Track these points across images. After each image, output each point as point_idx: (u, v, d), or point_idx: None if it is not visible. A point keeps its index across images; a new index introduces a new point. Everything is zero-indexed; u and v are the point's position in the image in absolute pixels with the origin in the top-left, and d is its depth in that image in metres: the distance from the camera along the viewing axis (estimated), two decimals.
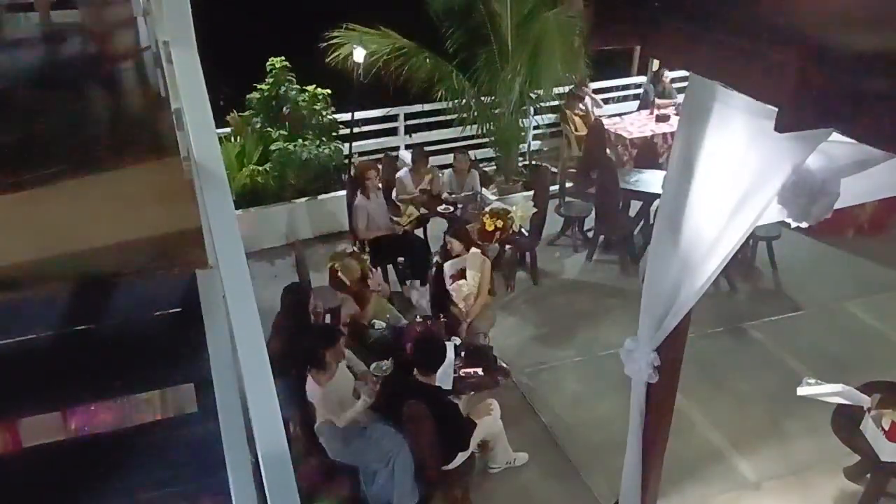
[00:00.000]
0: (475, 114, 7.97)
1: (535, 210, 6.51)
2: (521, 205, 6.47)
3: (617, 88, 10.04)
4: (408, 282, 6.43)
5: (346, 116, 7.91)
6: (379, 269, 6.12)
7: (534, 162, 8.89)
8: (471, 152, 7.65)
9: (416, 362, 4.15)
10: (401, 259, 6.52)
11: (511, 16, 7.47)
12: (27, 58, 3.33)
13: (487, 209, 6.30)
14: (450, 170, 7.15)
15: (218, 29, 6.03)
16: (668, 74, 9.25)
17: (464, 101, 7.84)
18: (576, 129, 8.67)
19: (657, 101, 8.98)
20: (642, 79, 9.91)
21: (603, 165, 7.37)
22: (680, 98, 9.05)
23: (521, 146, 8.66)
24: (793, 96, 1.95)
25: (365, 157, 8.28)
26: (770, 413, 5.03)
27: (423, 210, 6.76)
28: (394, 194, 6.89)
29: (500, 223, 6.13)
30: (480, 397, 4.64)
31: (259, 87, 7.61)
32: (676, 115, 8.56)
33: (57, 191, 2.07)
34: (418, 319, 5.03)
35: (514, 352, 5.66)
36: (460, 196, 6.90)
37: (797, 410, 4.73)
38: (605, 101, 9.40)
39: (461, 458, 4.19)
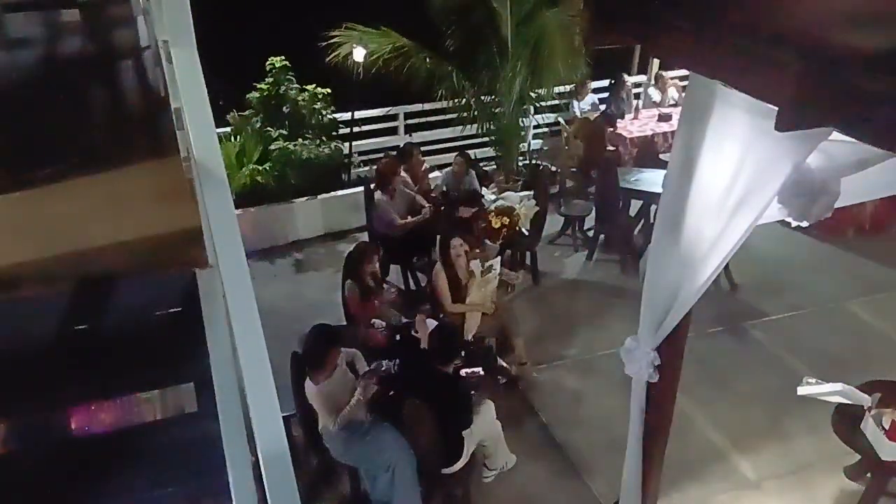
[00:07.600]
0: (475, 113, 7.95)
1: (536, 209, 6.51)
2: (524, 204, 6.46)
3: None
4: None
5: (346, 116, 7.92)
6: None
7: (534, 162, 8.88)
8: (471, 152, 7.64)
9: (434, 352, 4.31)
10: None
11: (511, 15, 7.44)
12: (27, 57, 3.32)
13: (493, 206, 6.29)
14: (447, 169, 7.15)
15: (218, 29, 6.03)
16: (629, 80, 9.29)
17: (464, 100, 7.82)
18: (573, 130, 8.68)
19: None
20: (642, 78, 9.90)
21: (603, 165, 7.37)
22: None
23: (521, 146, 8.65)
24: (793, 96, 1.94)
25: (367, 157, 8.33)
26: (770, 413, 5.02)
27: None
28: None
29: (506, 220, 6.13)
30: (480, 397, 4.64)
31: (259, 86, 7.61)
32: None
33: (57, 191, 2.06)
34: (419, 318, 5.03)
35: None
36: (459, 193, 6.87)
37: (797, 410, 4.73)
38: (601, 102, 9.38)
39: (464, 456, 4.19)
